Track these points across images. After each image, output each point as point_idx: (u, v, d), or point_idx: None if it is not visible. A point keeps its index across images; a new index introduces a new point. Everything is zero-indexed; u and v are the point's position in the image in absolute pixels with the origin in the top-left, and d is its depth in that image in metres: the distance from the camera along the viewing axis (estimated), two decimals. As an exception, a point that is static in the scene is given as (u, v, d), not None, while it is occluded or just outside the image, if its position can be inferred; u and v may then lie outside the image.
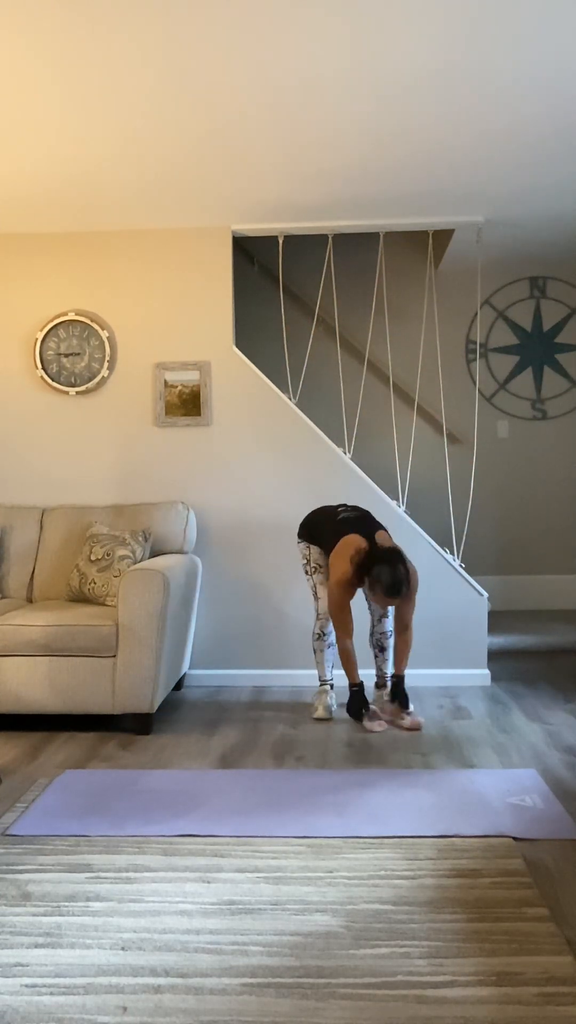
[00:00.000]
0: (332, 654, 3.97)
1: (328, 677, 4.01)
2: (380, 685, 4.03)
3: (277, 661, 4.55)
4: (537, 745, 3.48)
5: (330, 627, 3.90)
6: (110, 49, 2.76)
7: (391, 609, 3.89)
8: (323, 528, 3.90)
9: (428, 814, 2.76)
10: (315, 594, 3.96)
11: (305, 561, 3.98)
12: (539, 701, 4.13)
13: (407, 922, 2.10)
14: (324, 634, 3.94)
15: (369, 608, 4.02)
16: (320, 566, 3.92)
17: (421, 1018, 1.74)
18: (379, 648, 3.99)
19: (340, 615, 3.72)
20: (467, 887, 2.27)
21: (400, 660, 3.81)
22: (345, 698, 4.00)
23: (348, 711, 3.81)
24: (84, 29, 2.63)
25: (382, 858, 2.46)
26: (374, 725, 3.71)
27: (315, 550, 3.94)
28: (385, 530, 3.85)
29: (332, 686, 4.03)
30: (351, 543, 3.71)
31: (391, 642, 3.92)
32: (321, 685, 4.01)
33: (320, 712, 3.88)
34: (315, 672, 4.45)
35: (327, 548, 3.83)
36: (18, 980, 1.89)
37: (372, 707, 3.81)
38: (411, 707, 3.83)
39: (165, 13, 2.55)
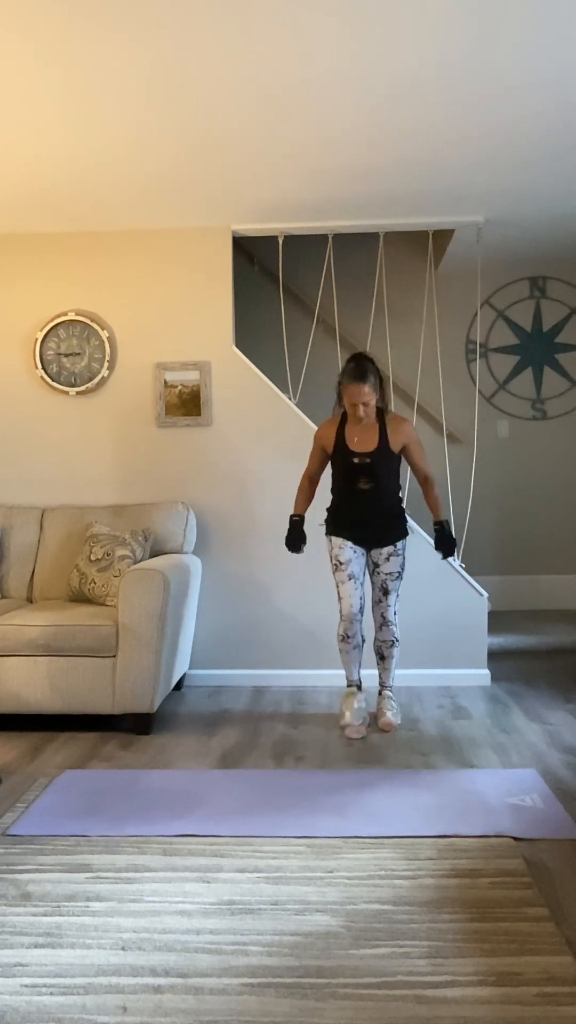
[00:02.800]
0: (358, 655, 3.81)
1: (355, 678, 3.85)
2: (380, 692, 3.89)
3: (277, 661, 4.55)
4: (537, 745, 3.48)
5: (355, 629, 3.75)
6: (110, 49, 2.76)
7: (391, 611, 3.75)
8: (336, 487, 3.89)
9: (428, 814, 2.76)
10: (338, 594, 3.80)
11: (328, 558, 3.86)
12: (539, 701, 4.13)
13: (407, 922, 2.10)
14: (348, 636, 3.75)
15: (372, 611, 3.85)
16: (340, 563, 3.74)
17: (421, 1018, 1.74)
18: (379, 656, 3.86)
19: (312, 455, 3.88)
20: (467, 887, 2.27)
21: (436, 507, 3.83)
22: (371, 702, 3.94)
23: (290, 543, 3.85)
24: (84, 29, 2.63)
25: (382, 858, 2.46)
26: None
27: (336, 542, 3.77)
28: None
29: (360, 687, 3.86)
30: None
31: (391, 651, 3.83)
32: (348, 687, 3.85)
33: (347, 718, 3.71)
34: (315, 672, 4.46)
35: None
36: (18, 980, 1.89)
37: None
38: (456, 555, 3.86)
39: (165, 13, 2.55)
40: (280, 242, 4.72)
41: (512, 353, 5.92)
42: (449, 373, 5.79)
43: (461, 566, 4.56)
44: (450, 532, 3.85)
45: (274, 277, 5.21)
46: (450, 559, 4.48)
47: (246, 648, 4.56)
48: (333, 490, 3.85)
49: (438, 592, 4.48)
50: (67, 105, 3.15)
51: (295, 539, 3.84)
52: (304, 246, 4.96)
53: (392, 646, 3.83)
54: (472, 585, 4.49)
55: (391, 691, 3.88)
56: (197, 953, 1.99)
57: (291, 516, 3.88)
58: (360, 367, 3.67)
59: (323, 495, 3.90)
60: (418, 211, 4.41)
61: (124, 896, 2.25)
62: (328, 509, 3.85)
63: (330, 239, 4.75)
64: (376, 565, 3.78)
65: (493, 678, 4.56)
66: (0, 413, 4.65)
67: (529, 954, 1.95)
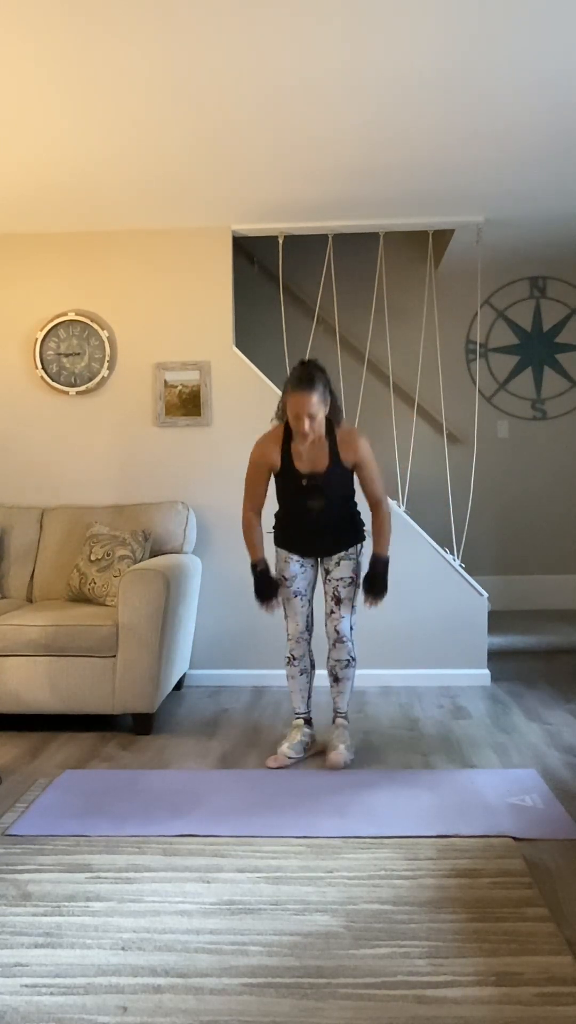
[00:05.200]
0: (307, 682, 3.46)
1: (303, 709, 3.47)
2: (333, 720, 3.47)
3: (277, 661, 4.54)
4: (537, 745, 3.48)
5: (301, 650, 3.41)
6: (110, 50, 2.75)
7: (344, 623, 3.33)
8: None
9: (428, 814, 2.76)
10: (284, 612, 3.44)
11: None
12: (539, 701, 4.13)
13: (407, 922, 2.10)
14: (295, 658, 3.41)
15: (325, 625, 3.43)
16: (285, 578, 3.38)
17: (421, 1018, 1.74)
18: (333, 678, 3.42)
19: (249, 479, 3.39)
20: (467, 887, 2.27)
21: (379, 538, 3.32)
22: (322, 731, 3.56)
23: (261, 594, 3.37)
24: (84, 30, 2.63)
25: (382, 858, 2.45)
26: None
27: (282, 555, 3.42)
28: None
29: (309, 721, 3.48)
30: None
31: (346, 672, 3.39)
32: (295, 719, 3.48)
33: (281, 748, 3.33)
34: (315, 672, 4.44)
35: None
36: (18, 980, 1.89)
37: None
38: (381, 600, 3.34)
39: (165, 14, 2.55)
40: (280, 242, 4.72)
41: (512, 353, 5.92)
42: (449, 373, 5.79)
43: (461, 566, 4.56)
44: (385, 573, 3.33)
45: (274, 277, 5.21)
46: (450, 559, 4.48)
47: (246, 648, 4.56)
48: (280, 505, 3.45)
49: (438, 592, 4.48)
50: (67, 105, 3.15)
51: (266, 589, 3.35)
52: (304, 246, 4.96)
53: (348, 666, 3.37)
54: (472, 585, 4.49)
55: (346, 720, 3.44)
56: (197, 953, 1.99)
57: (252, 565, 3.38)
58: (307, 373, 3.18)
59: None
60: (418, 211, 4.40)
61: (124, 896, 2.25)
62: (276, 518, 3.47)
63: (330, 239, 4.75)
64: (327, 572, 3.39)
65: (493, 678, 4.56)
66: (0, 413, 4.65)
67: (529, 954, 1.95)
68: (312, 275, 5.14)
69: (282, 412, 3.31)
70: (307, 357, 3.46)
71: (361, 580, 3.38)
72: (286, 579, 3.39)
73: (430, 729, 3.73)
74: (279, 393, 4.54)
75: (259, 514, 3.42)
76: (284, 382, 3.29)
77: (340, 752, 3.27)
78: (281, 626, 4.50)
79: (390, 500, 4.47)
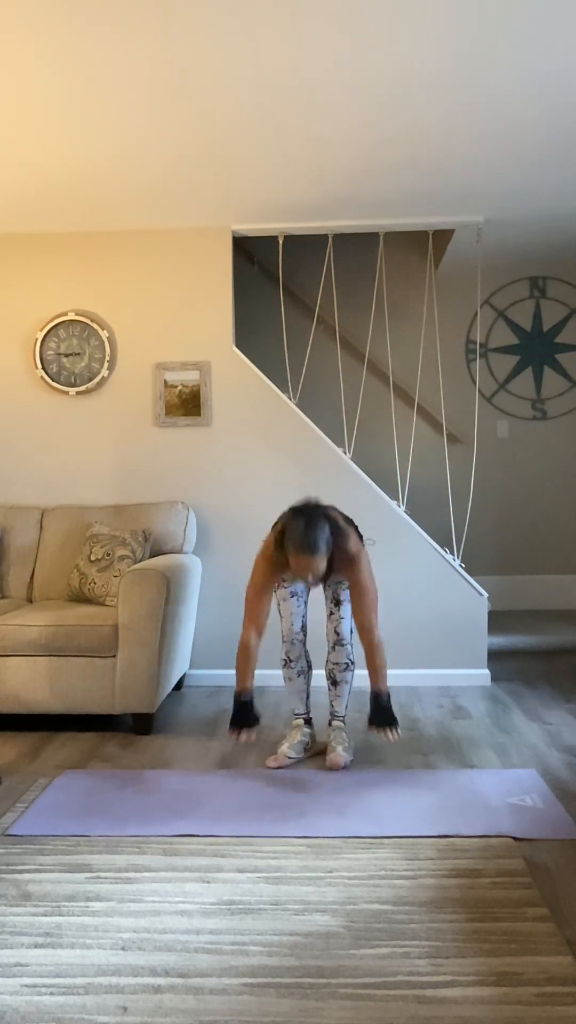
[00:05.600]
0: (304, 684, 3.43)
1: (302, 710, 3.44)
2: (329, 723, 3.44)
3: (277, 661, 4.54)
4: (537, 745, 3.48)
5: (297, 651, 3.38)
6: (110, 50, 2.76)
7: (345, 624, 3.35)
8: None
9: (428, 814, 2.76)
10: (279, 612, 3.42)
11: None
12: (539, 701, 4.13)
13: (407, 922, 2.10)
14: (291, 660, 3.38)
15: (325, 627, 3.45)
16: (284, 580, 3.32)
17: (421, 1018, 1.74)
18: (331, 681, 3.38)
19: (252, 599, 3.14)
20: (467, 887, 2.27)
21: (374, 673, 3.14)
22: (321, 731, 3.59)
23: (236, 722, 3.13)
24: (84, 29, 2.63)
25: (382, 858, 2.46)
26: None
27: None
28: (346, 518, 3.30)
29: (309, 721, 3.46)
30: (283, 515, 3.15)
31: (344, 676, 3.36)
32: (295, 719, 3.46)
33: (281, 749, 3.32)
34: (315, 672, 4.43)
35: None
36: (18, 980, 1.89)
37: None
38: (397, 731, 3.15)
39: (165, 14, 2.55)
40: (280, 242, 4.73)
41: (512, 353, 5.92)
42: (449, 373, 5.79)
43: (461, 566, 4.56)
44: (389, 707, 3.13)
45: (274, 277, 5.22)
46: (450, 559, 4.48)
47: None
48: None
49: (438, 592, 4.48)
50: (67, 105, 3.15)
51: (244, 719, 3.10)
52: (304, 246, 4.97)
53: (346, 669, 3.36)
54: (472, 585, 4.50)
55: (343, 723, 3.41)
56: (197, 953, 1.99)
57: (236, 694, 3.12)
58: (310, 533, 2.94)
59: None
60: (418, 211, 4.41)
61: (124, 896, 2.25)
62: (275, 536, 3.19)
63: (330, 239, 4.75)
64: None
65: (493, 678, 4.56)
66: (0, 413, 4.65)
67: (529, 954, 1.95)
68: (312, 275, 5.14)
69: (277, 547, 3.09)
70: (303, 502, 3.14)
71: (366, 720, 3.11)
72: (284, 580, 3.33)
73: (430, 729, 3.73)
74: (279, 393, 4.57)
75: (261, 635, 3.16)
76: (288, 527, 3.02)
77: (339, 754, 3.26)
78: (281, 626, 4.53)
79: (391, 501, 4.49)
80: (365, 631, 3.13)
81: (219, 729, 3.78)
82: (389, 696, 3.16)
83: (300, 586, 3.37)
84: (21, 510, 4.51)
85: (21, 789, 3.05)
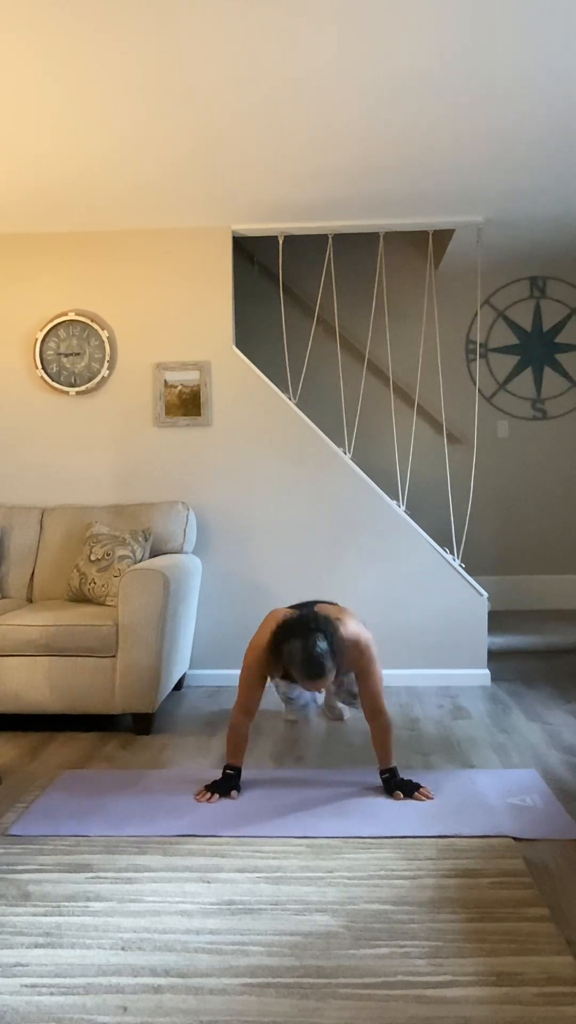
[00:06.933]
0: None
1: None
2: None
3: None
4: (537, 745, 3.48)
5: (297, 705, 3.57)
6: (110, 49, 2.76)
7: (347, 711, 3.61)
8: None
9: (428, 814, 2.76)
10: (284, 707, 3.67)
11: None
12: (539, 701, 4.13)
13: (407, 922, 2.10)
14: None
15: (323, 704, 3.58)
16: (277, 680, 3.34)
17: (421, 1018, 1.74)
18: (328, 709, 3.72)
19: (245, 690, 2.99)
20: (467, 887, 2.27)
21: (386, 755, 2.99)
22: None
23: (215, 787, 2.96)
24: (83, 29, 2.63)
25: (382, 858, 2.45)
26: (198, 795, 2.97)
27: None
28: (337, 605, 3.19)
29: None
30: (276, 614, 3.02)
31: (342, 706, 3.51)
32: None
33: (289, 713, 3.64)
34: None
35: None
36: (18, 980, 1.89)
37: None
38: (426, 789, 2.94)
39: (164, 13, 2.55)
40: (280, 242, 4.73)
41: (512, 353, 5.92)
42: (449, 373, 5.79)
43: (461, 566, 4.56)
44: (402, 780, 2.95)
45: (274, 277, 5.22)
46: (450, 559, 4.48)
47: (246, 648, 4.55)
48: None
49: (438, 592, 4.48)
50: (66, 105, 3.15)
51: (224, 789, 2.95)
52: (304, 246, 4.97)
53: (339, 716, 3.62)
54: (472, 585, 4.49)
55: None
56: (197, 953, 1.99)
57: (225, 769, 2.99)
58: (313, 659, 2.74)
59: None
60: (418, 211, 4.41)
61: (124, 896, 2.25)
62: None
63: (330, 239, 4.75)
64: None
65: (493, 678, 4.56)
66: (0, 413, 4.65)
67: (529, 954, 1.95)
68: (312, 275, 5.14)
69: (275, 659, 2.92)
70: (292, 617, 2.90)
71: (388, 791, 2.95)
72: (277, 680, 3.26)
73: (430, 729, 3.73)
74: (279, 393, 4.57)
75: (251, 718, 3.00)
76: (284, 648, 2.82)
77: (343, 708, 3.55)
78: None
79: (391, 501, 4.49)
80: (375, 714, 2.97)
81: (219, 729, 3.78)
82: (396, 772, 2.99)
83: (305, 693, 3.64)
84: (21, 510, 4.51)
85: (21, 789, 3.05)
